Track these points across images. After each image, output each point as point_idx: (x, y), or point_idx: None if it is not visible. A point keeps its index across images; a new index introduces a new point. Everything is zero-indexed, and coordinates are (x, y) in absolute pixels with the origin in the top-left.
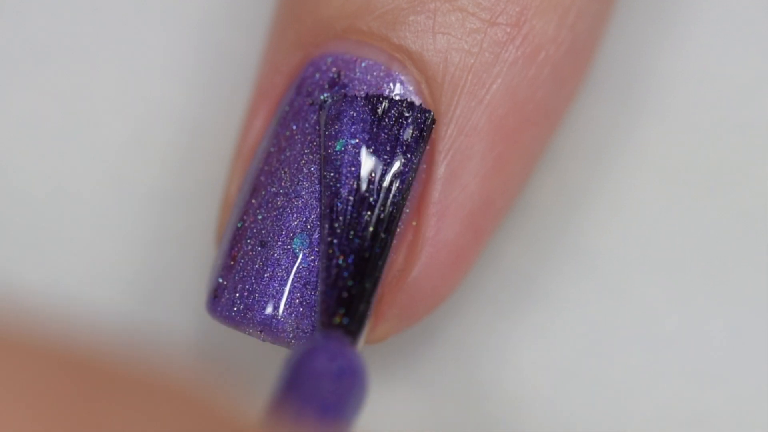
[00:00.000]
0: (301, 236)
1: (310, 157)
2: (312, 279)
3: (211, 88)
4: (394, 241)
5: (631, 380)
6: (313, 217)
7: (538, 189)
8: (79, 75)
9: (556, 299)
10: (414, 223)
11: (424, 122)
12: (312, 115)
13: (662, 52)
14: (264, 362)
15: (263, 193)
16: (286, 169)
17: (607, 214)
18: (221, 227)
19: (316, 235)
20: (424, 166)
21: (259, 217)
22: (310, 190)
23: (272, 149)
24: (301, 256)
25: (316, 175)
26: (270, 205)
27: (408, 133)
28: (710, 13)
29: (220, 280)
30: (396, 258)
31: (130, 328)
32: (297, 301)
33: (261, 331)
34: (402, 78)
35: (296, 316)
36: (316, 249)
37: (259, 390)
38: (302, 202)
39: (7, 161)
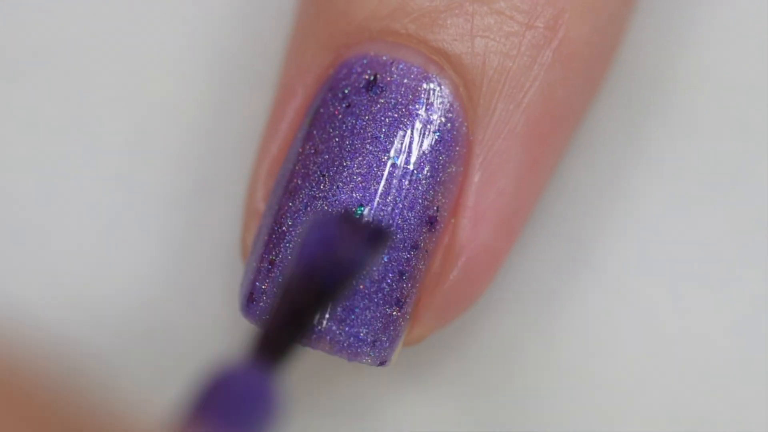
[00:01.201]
0: None
1: (347, 162)
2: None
3: (213, 88)
4: (433, 245)
5: (631, 380)
6: None
7: None
8: (79, 75)
9: (556, 299)
10: (450, 227)
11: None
12: (348, 118)
13: (664, 54)
14: None
15: (300, 196)
16: (324, 173)
17: (608, 214)
18: (248, 230)
19: None
20: (461, 169)
21: (296, 223)
22: (347, 196)
23: (308, 152)
24: None
25: (355, 178)
26: (309, 208)
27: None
28: (711, 14)
29: (258, 284)
30: (433, 262)
31: (130, 327)
32: (341, 309)
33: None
34: (440, 81)
35: (338, 319)
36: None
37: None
38: (342, 204)
39: (7, 161)
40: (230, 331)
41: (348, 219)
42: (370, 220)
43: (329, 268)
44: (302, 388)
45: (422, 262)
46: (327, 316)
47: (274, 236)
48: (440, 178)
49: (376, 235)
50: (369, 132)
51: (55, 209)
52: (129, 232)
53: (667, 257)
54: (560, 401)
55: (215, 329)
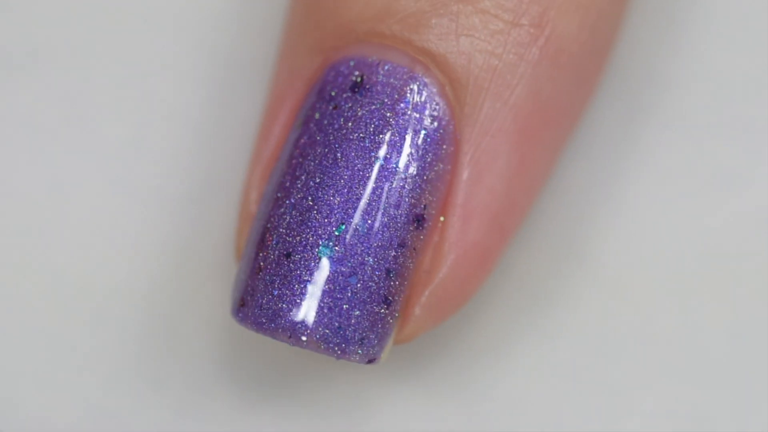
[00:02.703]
0: (327, 242)
1: (333, 165)
2: (339, 284)
3: (213, 89)
4: (421, 243)
5: (631, 380)
6: (338, 223)
7: None
8: (79, 75)
9: (556, 299)
10: (440, 225)
11: None
12: (335, 120)
13: (662, 54)
14: (259, 362)
15: (289, 200)
16: (312, 177)
17: (608, 214)
18: (241, 234)
19: (342, 245)
20: (449, 167)
21: (285, 225)
22: (334, 196)
23: (296, 156)
24: (328, 262)
25: (342, 184)
26: (295, 212)
27: None
28: (710, 13)
29: (247, 288)
30: (423, 259)
31: (128, 326)
32: (325, 306)
33: (290, 337)
34: (426, 80)
35: (325, 321)
36: (342, 254)
37: (253, 389)
38: (327, 208)
39: (7, 161)
40: (229, 332)
41: None
42: None
43: None
44: (303, 387)
45: (410, 260)
46: (315, 314)
47: (262, 240)
48: (427, 177)
49: None
50: (355, 133)
51: (54, 208)
52: (129, 232)
53: (667, 257)
54: (559, 401)
55: (214, 330)
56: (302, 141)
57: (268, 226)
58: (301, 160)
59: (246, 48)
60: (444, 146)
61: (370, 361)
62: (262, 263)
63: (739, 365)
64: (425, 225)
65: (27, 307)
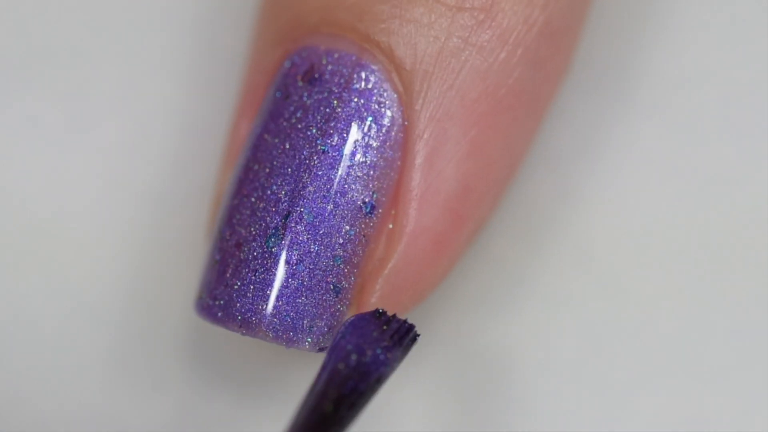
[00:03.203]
0: (274, 231)
1: (281, 154)
2: (287, 273)
3: (209, 89)
4: (372, 231)
5: (631, 380)
6: (285, 212)
7: (537, 189)
8: (78, 75)
9: (556, 299)
10: (393, 212)
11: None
12: (284, 110)
13: (662, 53)
14: (258, 362)
15: (244, 191)
16: (263, 167)
17: (607, 214)
18: (211, 226)
19: (289, 233)
20: (399, 153)
21: (237, 216)
22: (282, 185)
23: (251, 147)
24: (275, 252)
25: (289, 173)
26: (246, 203)
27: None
28: (710, 14)
29: (205, 280)
30: (375, 247)
31: (127, 327)
32: (273, 295)
33: (240, 327)
34: (372, 67)
35: (273, 310)
36: (289, 243)
37: (252, 390)
38: (275, 199)
39: (7, 161)
40: (228, 332)
41: (374, 321)
42: (397, 320)
43: (358, 374)
44: (302, 386)
45: (360, 248)
46: (264, 304)
47: (220, 232)
48: (375, 164)
49: (402, 335)
50: (303, 122)
51: (53, 207)
52: (129, 231)
53: (667, 257)
54: (558, 401)
55: (214, 329)
56: (257, 132)
57: (226, 218)
58: (255, 151)
59: (242, 47)
60: (392, 133)
61: (321, 350)
62: (217, 255)
63: (739, 365)
64: (375, 212)
65: (26, 306)
